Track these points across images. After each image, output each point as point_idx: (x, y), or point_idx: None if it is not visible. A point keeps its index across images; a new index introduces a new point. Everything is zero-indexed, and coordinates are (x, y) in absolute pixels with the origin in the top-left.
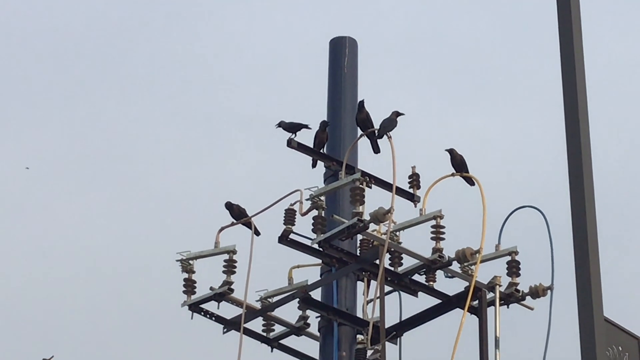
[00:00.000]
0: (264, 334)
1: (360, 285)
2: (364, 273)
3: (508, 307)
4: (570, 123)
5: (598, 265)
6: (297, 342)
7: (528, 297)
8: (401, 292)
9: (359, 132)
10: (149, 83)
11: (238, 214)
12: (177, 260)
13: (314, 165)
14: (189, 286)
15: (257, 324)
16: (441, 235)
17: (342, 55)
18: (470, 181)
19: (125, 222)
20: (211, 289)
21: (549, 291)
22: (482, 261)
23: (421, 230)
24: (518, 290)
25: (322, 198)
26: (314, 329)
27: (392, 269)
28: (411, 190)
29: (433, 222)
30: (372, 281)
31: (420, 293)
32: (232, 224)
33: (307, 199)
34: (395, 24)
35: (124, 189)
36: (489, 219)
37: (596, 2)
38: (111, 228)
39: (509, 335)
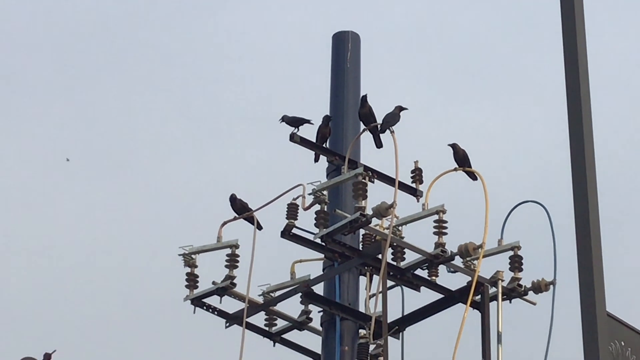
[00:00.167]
0: (267, 329)
1: (363, 280)
2: (366, 268)
3: (510, 302)
4: (573, 118)
5: (601, 260)
6: (300, 337)
7: (530, 292)
8: (403, 287)
9: (362, 126)
10: (152, 77)
11: (240, 208)
12: (180, 255)
13: (316, 159)
14: (192, 280)
15: (259, 319)
16: (444, 230)
17: (344, 50)
18: (472, 176)
19: (127, 216)
20: (213, 283)
21: (551, 286)
22: (484, 256)
23: (424, 225)
24: (520, 285)
25: (325, 192)
26: (316, 323)
27: (394, 263)
28: (414, 185)
29: (435, 217)
30: (374, 276)
31: (422, 288)
32: (235, 219)
33: (309, 194)
34: (398, 19)
35: (126, 182)
36: (491, 213)
37: None
38: (113, 222)
39: (511, 330)
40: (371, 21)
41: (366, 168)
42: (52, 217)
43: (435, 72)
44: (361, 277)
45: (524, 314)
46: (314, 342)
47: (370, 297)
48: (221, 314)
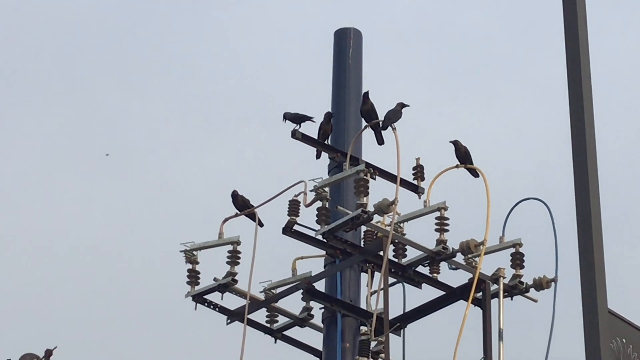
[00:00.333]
0: (268, 325)
1: (364, 277)
2: (367, 264)
3: (512, 299)
4: (575, 115)
5: (602, 257)
6: (301, 334)
7: (532, 289)
8: (405, 284)
9: (364, 123)
10: (152, 75)
11: (242, 204)
12: (181, 251)
13: (318, 156)
14: (193, 277)
15: (260, 315)
16: (445, 227)
17: (346, 46)
18: (474, 173)
19: (129, 213)
20: (215, 279)
21: (553, 283)
22: (486, 253)
23: (425, 222)
24: (522, 282)
25: (326, 189)
26: (317, 320)
27: (396, 260)
28: (415, 182)
29: (437, 214)
30: (376, 272)
31: (424, 285)
32: (236, 215)
33: (311, 190)
34: (399, 16)
35: (127, 180)
36: (493, 210)
37: None
38: (115, 219)
39: (513, 327)
40: (373, 18)
41: (368, 165)
42: (53, 215)
43: (437, 69)
44: (362, 274)
45: (526, 311)
46: (315, 339)
47: (372, 294)
48: (222, 310)
